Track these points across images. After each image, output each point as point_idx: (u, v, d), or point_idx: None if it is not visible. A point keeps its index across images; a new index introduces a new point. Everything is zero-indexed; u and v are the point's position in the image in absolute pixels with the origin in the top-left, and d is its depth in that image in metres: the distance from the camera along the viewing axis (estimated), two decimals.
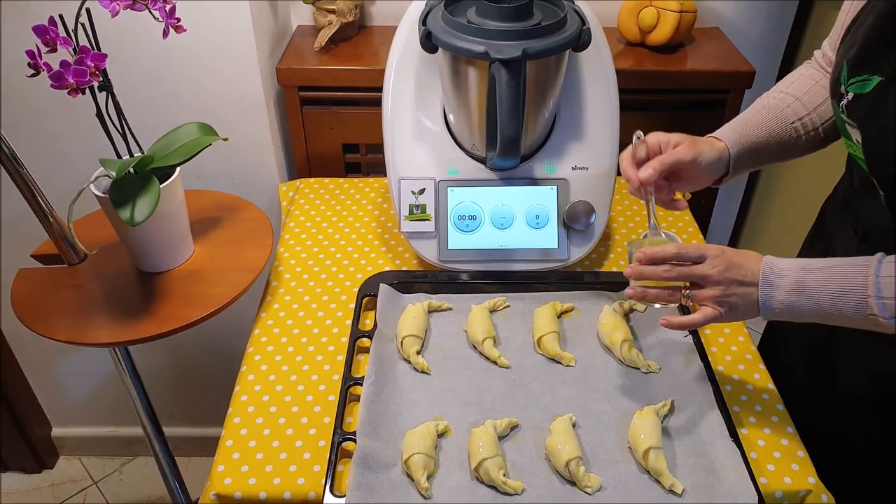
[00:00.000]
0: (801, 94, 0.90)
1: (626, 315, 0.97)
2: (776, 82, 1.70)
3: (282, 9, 1.36)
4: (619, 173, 1.04)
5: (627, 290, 0.79)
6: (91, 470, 1.82)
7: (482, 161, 1.03)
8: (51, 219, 0.94)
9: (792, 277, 0.72)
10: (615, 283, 1.01)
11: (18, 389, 1.65)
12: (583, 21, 0.91)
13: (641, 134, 0.85)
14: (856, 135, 0.76)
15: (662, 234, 0.84)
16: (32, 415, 1.72)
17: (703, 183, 0.88)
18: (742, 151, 0.86)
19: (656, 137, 0.86)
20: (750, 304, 0.74)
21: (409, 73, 1.02)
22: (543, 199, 1.02)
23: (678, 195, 0.90)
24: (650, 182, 0.82)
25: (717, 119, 1.34)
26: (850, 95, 0.75)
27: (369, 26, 1.43)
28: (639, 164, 0.84)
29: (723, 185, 0.91)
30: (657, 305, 0.81)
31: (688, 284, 0.77)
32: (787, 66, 1.60)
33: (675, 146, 0.85)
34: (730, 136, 0.87)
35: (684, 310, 0.92)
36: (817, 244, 0.99)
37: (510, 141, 0.89)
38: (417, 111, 1.03)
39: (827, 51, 0.92)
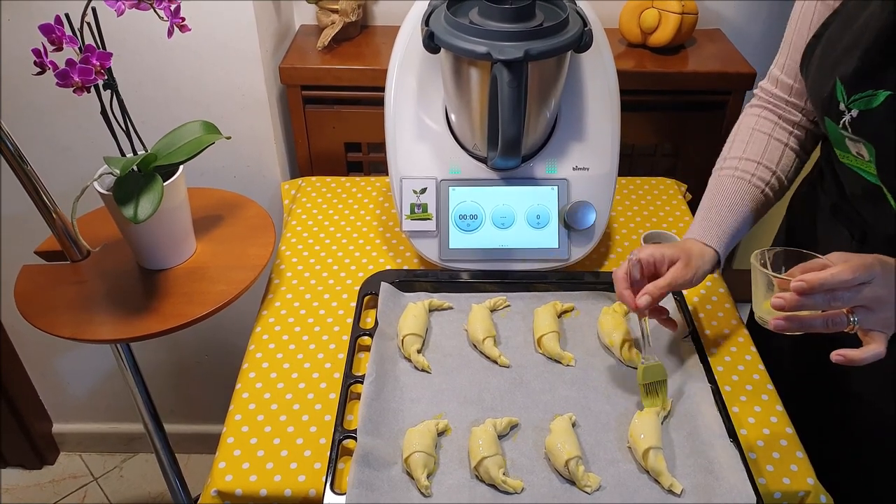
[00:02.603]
0: (758, 156, 0.89)
1: (626, 315, 0.97)
2: None
3: (285, 8, 1.36)
4: (619, 174, 1.06)
5: (778, 322, 0.69)
6: (91, 466, 1.82)
7: (483, 161, 1.03)
8: (54, 216, 0.94)
9: None
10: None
11: (19, 385, 1.66)
12: (584, 22, 0.91)
13: (637, 256, 0.83)
14: (858, 148, 0.76)
15: (656, 358, 0.84)
16: (33, 410, 1.73)
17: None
18: (729, 245, 0.87)
19: (649, 253, 0.83)
20: None
21: (412, 72, 1.02)
22: (544, 199, 1.03)
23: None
24: (647, 308, 0.81)
25: (717, 120, 1.35)
26: (855, 112, 0.74)
27: (372, 26, 1.43)
28: (633, 283, 0.83)
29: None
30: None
31: (851, 309, 0.68)
32: None
33: (669, 264, 0.83)
34: (714, 236, 0.86)
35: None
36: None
37: (511, 141, 0.90)
38: (419, 111, 1.03)
39: (782, 78, 0.91)
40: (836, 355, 0.68)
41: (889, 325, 0.67)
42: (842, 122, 0.76)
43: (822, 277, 0.65)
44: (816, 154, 0.97)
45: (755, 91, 0.96)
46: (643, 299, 0.81)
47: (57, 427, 1.81)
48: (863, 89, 0.73)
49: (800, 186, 1.03)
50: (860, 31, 0.74)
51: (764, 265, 0.76)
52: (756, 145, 0.90)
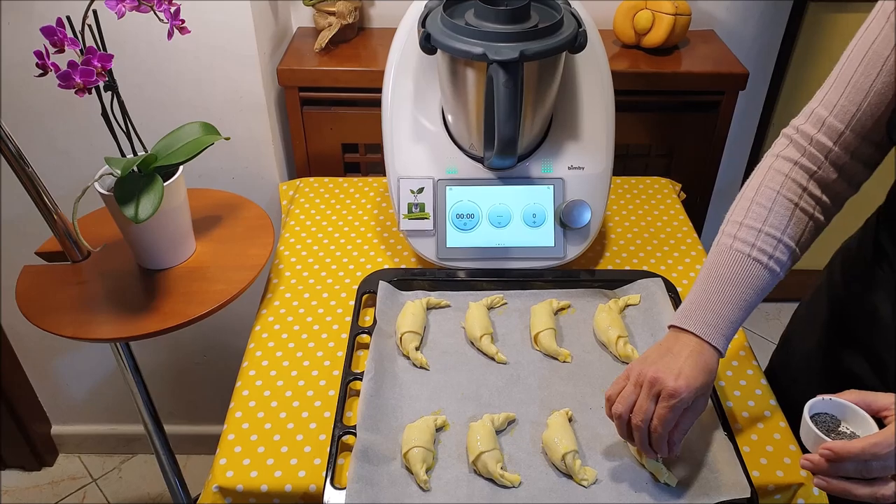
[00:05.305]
0: (779, 230, 0.75)
1: (622, 312, 0.98)
2: (769, 85, 1.70)
3: (282, 11, 1.37)
4: (613, 174, 1.07)
5: (818, 482, 0.63)
6: (90, 468, 1.83)
7: (480, 160, 1.04)
8: (55, 216, 0.95)
9: None
10: (610, 281, 1.03)
11: (18, 387, 1.66)
12: (579, 23, 0.92)
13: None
14: None
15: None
16: (32, 412, 1.73)
17: None
18: (730, 338, 0.76)
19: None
20: None
21: (408, 74, 1.04)
22: (540, 198, 1.04)
23: None
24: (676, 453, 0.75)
25: (710, 120, 1.37)
26: None
27: (368, 28, 1.44)
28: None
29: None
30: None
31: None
32: (780, 69, 1.62)
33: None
34: (717, 337, 0.74)
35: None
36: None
37: (508, 141, 0.91)
38: (416, 111, 1.04)
39: (830, 120, 0.73)
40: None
41: None
42: None
43: (851, 450, 0.60)
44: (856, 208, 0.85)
45: (786, 131, 0.78)
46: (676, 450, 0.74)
47: (56, 429, 1.81)
48: None
49: (844, 244, 0.92)
50: None
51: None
52: (779, 216, 0.74)
